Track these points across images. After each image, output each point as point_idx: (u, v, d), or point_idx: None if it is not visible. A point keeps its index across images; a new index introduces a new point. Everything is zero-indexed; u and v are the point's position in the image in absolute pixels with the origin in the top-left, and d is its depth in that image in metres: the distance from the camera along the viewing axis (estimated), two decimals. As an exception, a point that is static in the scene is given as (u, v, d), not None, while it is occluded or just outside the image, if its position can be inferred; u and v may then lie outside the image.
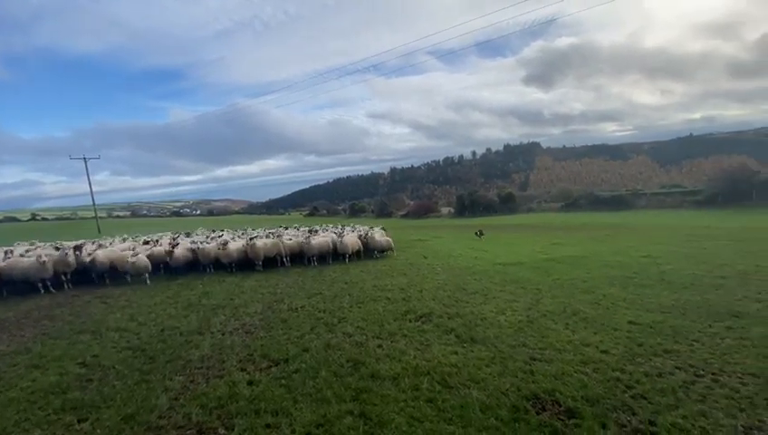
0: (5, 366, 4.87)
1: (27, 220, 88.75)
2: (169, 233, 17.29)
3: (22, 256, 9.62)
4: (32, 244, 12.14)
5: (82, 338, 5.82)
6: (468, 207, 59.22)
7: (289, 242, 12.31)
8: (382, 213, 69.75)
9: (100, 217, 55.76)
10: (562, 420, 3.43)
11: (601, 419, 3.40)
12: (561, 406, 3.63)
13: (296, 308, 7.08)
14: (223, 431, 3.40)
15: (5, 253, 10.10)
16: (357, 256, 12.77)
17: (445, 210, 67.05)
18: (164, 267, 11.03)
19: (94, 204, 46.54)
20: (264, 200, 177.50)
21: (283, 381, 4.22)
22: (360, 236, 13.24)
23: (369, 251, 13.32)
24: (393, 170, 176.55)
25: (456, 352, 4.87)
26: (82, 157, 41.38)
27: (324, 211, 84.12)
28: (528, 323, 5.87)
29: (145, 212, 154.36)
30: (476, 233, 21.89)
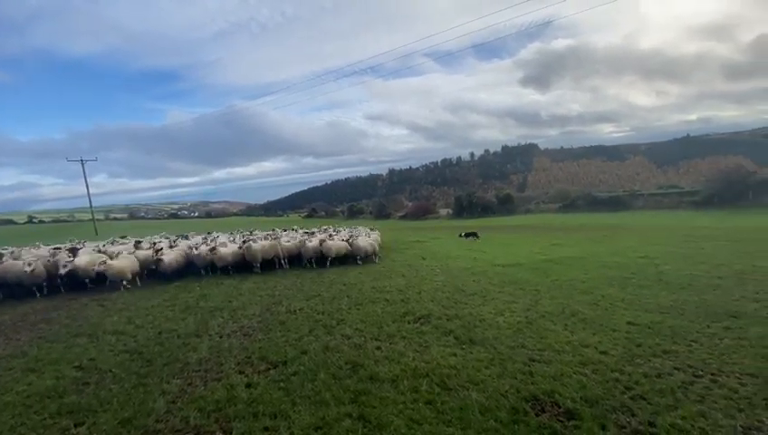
0: (1, 370, 4.81)
1: (24, 223, 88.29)
2: (164, 234, 17.13)
3: (16, 259, 9.54)
4: (36, 246, 12.15)
5: (79, 341, 5.77)
6: (466, 208, 59.25)
7: (287, 244, 12.28)
8: (381, 214, 69.73)
9: (98, 220, 55.59)
10: (562, 421, 3.43)
11: (601, 420, 3.40)
12: (560, 407, 3.62)
13: (294, 310, 7.04)
14: (221, 435, 3.37)
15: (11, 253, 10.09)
16: (341, 260, 12.03)
17: (443, 211, 66.99)
18: (155, 271, 10.52)
19: (91, 206, 46.38)
20: (262, 202, 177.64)
21: (281, 384, 4.19)
22: (346, 240, 12.55)
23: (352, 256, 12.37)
24: (391, 172, 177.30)
25: (455, 354, 4.85)
26: (79, 159, 41.42)
27: (323, 213, 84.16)
28: (527, 325, 5.86)
29: (143, 214, 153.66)
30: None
